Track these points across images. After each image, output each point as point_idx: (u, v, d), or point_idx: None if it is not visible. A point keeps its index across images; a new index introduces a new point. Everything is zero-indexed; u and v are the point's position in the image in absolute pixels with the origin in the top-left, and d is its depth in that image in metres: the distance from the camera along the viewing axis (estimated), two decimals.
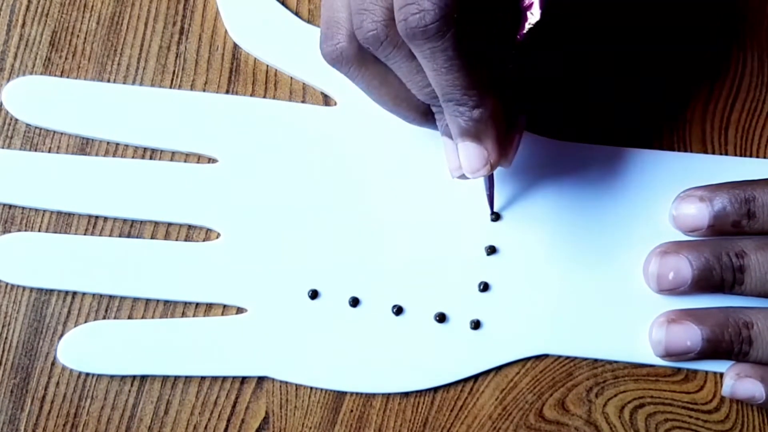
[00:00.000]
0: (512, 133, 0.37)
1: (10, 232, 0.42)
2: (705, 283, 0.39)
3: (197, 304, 0.41)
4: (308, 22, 0.43)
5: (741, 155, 0.42)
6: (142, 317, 0.41)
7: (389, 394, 0.41)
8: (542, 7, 0.35)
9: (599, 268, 0.41)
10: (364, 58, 0.35)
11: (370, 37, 0.33)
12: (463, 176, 0.37)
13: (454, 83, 0.33)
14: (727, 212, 0.39)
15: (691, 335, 0.39)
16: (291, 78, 0.43)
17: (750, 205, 0.39)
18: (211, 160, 0.42)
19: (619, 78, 0.42)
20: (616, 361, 0.40)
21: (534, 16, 0.35)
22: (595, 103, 0.42)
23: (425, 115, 0.37)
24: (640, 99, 0.42)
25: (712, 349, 0.39)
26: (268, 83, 0.43)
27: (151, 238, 0.42)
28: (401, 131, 0.41)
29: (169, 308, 0.41)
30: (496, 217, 0.41)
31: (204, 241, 0.42)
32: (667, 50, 0.42)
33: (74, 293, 0.41)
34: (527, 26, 0.35)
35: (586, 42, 0.42)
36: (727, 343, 0.39)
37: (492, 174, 0.39)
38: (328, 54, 0.35)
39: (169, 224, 0.42)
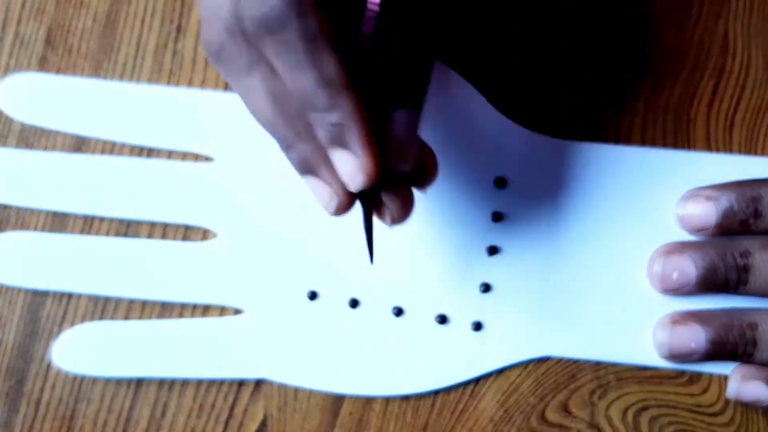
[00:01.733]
0: (399, 131, 0.33)
1: (4, 231, 0.42)
2: (709, 282, 0.39)
3: (194, 306, 0.41)
4: None
5: (746, 154, 0.42)
6: (139, 318, 0.41)
7: (389, 397, 0.40)
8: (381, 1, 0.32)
9: (602, 269, 0.40)
10: (231, 57, 0.33)
11: (224, 30, 0.31)
12: (340, 208, 0.34)
13: (305, 83, 0.31)
14: (734, 211, 0.39)
15: (695, 337, 0.39)
16: None
17: (757, 204, 0.38)
18: (208, 159, 0.42)
19: (622, 77, 0.42)
20: (619, 363, 0.40)
21: (373, 5, 0.32)
22: (599, 102, 0.42)
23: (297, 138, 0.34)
24: (643, 97, 0.42)
25: (717, 351, 0.39)
26: None
27: (148, 238, 0.41)
28: None
29: (165, 309, 0.41)
30: (498, 218, 0.41)
31: (201, 240, 0.41)
32: (671, 48, 0.42)
33: (70, 295, 0.41)
34: (370, 17, 0.32)
35: (587, 38, 0.42)
36: (731, 344, 0.38)
37: (371, 216, 0.36)
38: (204, 46, 0.33)
39: (166, 224, 0.42)
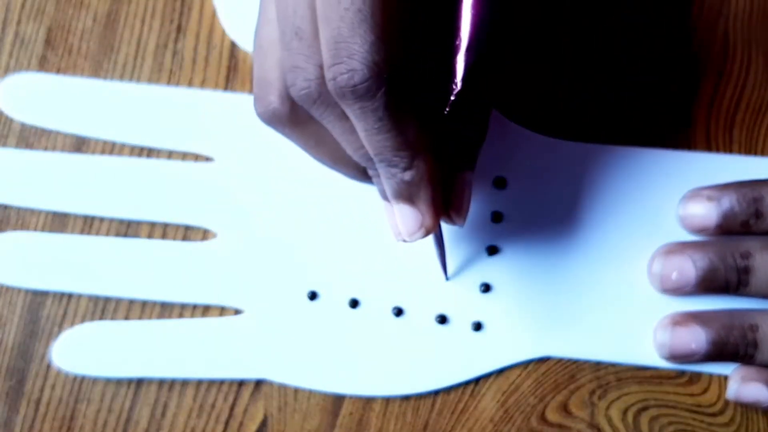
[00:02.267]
0: (459, 190, 0.36)
1: (4, 231, 0.42)
2: (709, 283, 0.39)
3: (194, 306, 0.41)
4: None
5: (746, 154, 0.42)
6: (139, 319, 0.41)
7: (389, 397, 0.40)
8: (464, 77, 0.34)
9: (603, 269, 0.40)
10: (298, 118, 0.35)
11: (303, 96, 0.33)
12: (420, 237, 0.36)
13: (385, 144, 0.32)
14: (735, 212, 0.39)
15: (696, 338, 0.39)
16: None
17: (758, 204, 0.38)
18: (209, 159, 0.42)
19: (623, 77, 0.42)
20: (619, 364, 0.40)
21: (456, 86, 0.34)
22: (600, 102, 0.42)
23: (365, 175, 0.36)
24: (644, 98, 0.42)
25: (717, 352, 0.38)
26: None
27: (148, 238, 0.42)
28: None
29: (165, 310, 0.41)
30: (497, 218, 0.41)
31: (201, 241, 0.41)
32: (671, 48, 0.42)
33: (70, 295, 0.41)
34: (452, 97, 0.34)
35: (588, 39, 0.42)
36: (732, 345, 0.38)
37: (441, 236, 0.39)
38: (261, 115, 0.35)
39: (166, 224, 0.42)
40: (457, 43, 0.34)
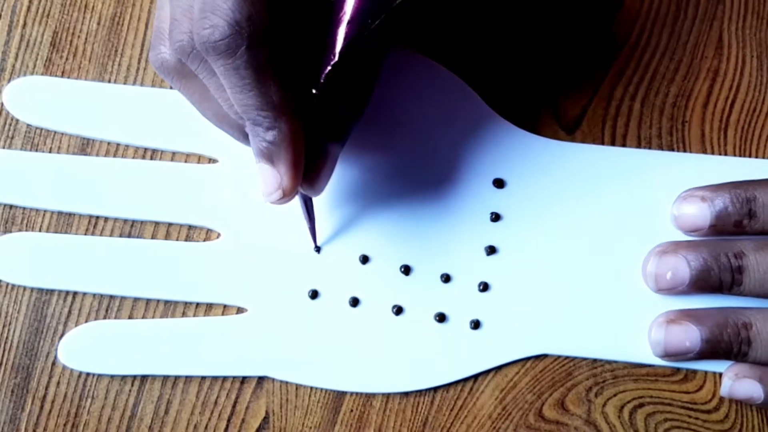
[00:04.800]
0: (321, 161, 0.37)
1: (10, 232, 0.42)
2: (703, 283, 0.39)
3: (197, 304, 0.41)
4: None
5: (740, 155, 0.42)
6: (143, 317, 0.41)
7: (389, 394, 0.41)
8: (341, 51, 0.35)
9: (599, 268, 0.41)
10: (183, 71, 0.35)
11: (178, 48, 0.34)
12: (280, 201, 0.36)
13: (247, 102, 0.33)
14: (729, 212, 0.39)
15: (690, 336, 0.39)
16: None
17: (751, 204, 0.38)
18: (212, 160, 0.42)
19: (619, 79, 0.42)
20: (615, 361, 0.41)
21: (334, 57, 0.35)
22: (596, 103, 0.42)
23: (245, 135, 0.36)
24: (639, 99, 0.42)
25: (711, 350, 0.39)
26: None
27: (152, 238, 0.42)
28: (398, 135, 0.41)
29: (169, 308, 0.41)
30: (496, 218, 0.41)
31: (204, 241, 0.42)
32: (666, 50, 0.43)
33: (75, 293, 0.41)
34: (328, 67, 0.35)
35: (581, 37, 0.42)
36: (726, 343, 0.39)
37: (311, 204, 0.39)
38: (153, 63, 0.36)
39: (170, 224, 0.42)
40: (341, 15, 0.34)
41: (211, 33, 0.32)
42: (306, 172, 0.36)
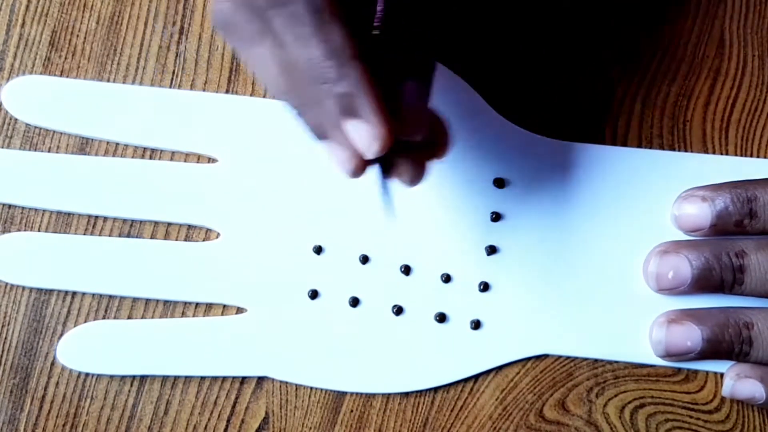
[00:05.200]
0: (410, 100, 0.34)
1: (9, 231, 0.42)
2: (705, 282, 0.39)
3: (197, 304, 0.41)
4: None
5: (741, 155, 0.42)
6: (142, 317, 0.41)
7: (389, 394, 0.41)
8: None
9: (599, 268, 0.41)
10: (247, 30, 0.33)
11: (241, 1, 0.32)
12: (358, 169, 0.34)
13: (312, 54, 0.31)
14: (730, 212, 0.39)
15: (691, 335, 0.39)
16: None
17: (752, 204, 0.38)
18: (211, 160, 0.42)
19: (619, 78, 0.42)
20: (616, 361, 0.41)
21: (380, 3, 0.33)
22: (596, 103, 0.42)
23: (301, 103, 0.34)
24: (640, 99, 0.42)
25: (713, 350, 0.39)
26: None
27: (151, 238, 0.42)
28: None
29: (168, 308, 0.41)
30: (496, 217, 0.41)
31: (204, 241, 0.42)
32: (667, 49, 0.43)
33: (74, 293, 0.41)
34: (378, 13, 0.33)
35: (586, 38, 0.42)
36: (727, 343, 0.38)
37: (388, 175, 0.36)
38: (213, 17, 0.34)
39: (169, 224, 0.42)
40: None
41: None
42: (398, 119, 0.33)
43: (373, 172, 0.35)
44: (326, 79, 0.32)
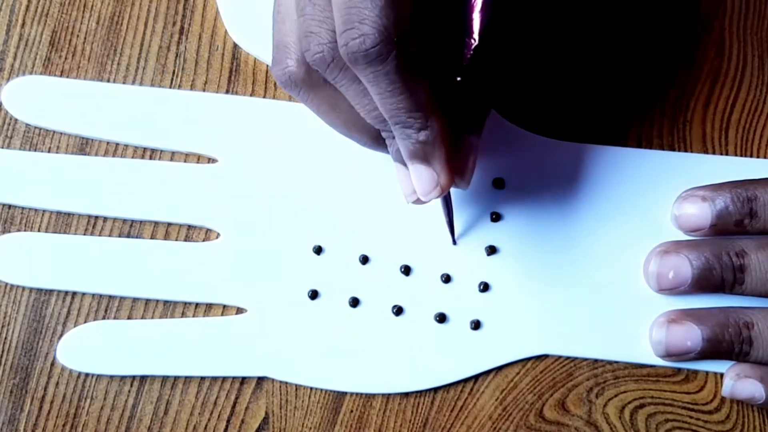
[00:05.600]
0: (465, 154, 0.37)
1: (9, 232, 0.42)
2: (705, 282, 0.39)
3: (197, 305, 0.41)
4: None
5: (741, 155, 0.42)
6: (142, 317, 0.41)
7: (389, 395, 0.41)
8: (480, 32, 0.35)
9: (599, 268, 0.41)
10: (313, 82, 0.35)
11: (317, 60, 0.33)
12: (418, 201, 0.37)
13: (399, 106, 0.33)
14: (730, 211, 0.39)
15: (691, 335, 0.39)
16: None
17: (752, 204, 0.39)
18: (211, 160, 0.42)
19: (619, 78, 0.42)
20: (616, 362, 0.41)
21: (474, 41, 0.35)
22: (596, 103, 0.42)
23: (377, 140, 0.37)
24: (640, 99, 0.42)
25: (713, 350, 0.39)
26: (268, 83, 0.43)
27: (151, 238, 0.42)
28: None
29: (168, 308, 0.41)
30: (496, 218, 0.41)
31: (204, 241, 0.42)
32: (668, 49, 0.43)
33: (74, 293, 0.41)
34: (469, 52, 0.35)
35: (578, 37, 0.42)
36: (727, 343, 0.39)
37: (450, 199, 0.40)
38: (278, 78, 0.36)
39: (169, 224, 0.42)
40: (473, 2, 0.35)
41: (361, 42, 0.31)
42: (455, 168, 0.36)
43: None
44: (407, 126, 0.34)
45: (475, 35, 0.35)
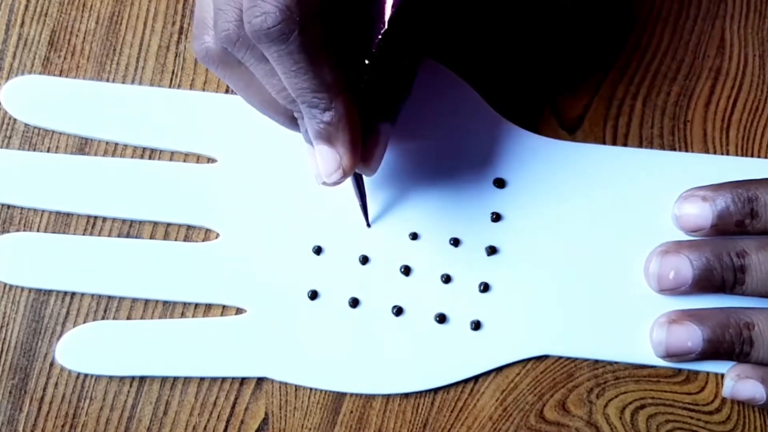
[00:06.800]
0: (374, 141, 0.37)
1: (8, 232, 0.42)
2: (706, 282, 0.39)
3: (196, 305, 0.41)
4: None
5: (742, 155, 0.42)
6: (142, 318, 0.41)
7: (389, 395, 0.41)
8: (391, 18, 0.35)
9: (600, 269, 0.41)
10: (228, 60, 0.36)
11: (224, 37, 0.34)
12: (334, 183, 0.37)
13: (303, 86, 0.34)
14: (730, 212, 0.39)
15: (692, 336, 0.39)
16: None
17: (753, 204, 0.38)
18: (211, 160, 0.42)
19: (620, 78, 0.42)
20: (617, 362, 0.40)
21: (384, 26, 0.35)
22: (597, 103, 0.42)
23: (292, 120, 0.37)
24: (641, 99, 0.42)
25: (713, 350, 0.39)
26: None
27: (150, 238, 0.42)
28: (399, 135, 0.41)
29: (168, 308, 0.41)
30: (496, 218, 0.41)
31: (203, 241, 0.42)
32: (668, 49, 0.43)
33: (73, 294, 0.41)
34: (378, 36, 0.35)
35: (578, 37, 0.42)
36: (728, 343, 0.38)
37: (362, 183, 0.40)
38: (196, 53, 0.36)
39: (169, 224, 0.42)
40: None
41: (263, 20, 0.32)
42: (361, 153, 0.37)
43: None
44: (313, 106, 0.34)
45: (385, 19, 0.35)
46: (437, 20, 0.42)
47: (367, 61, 0.36)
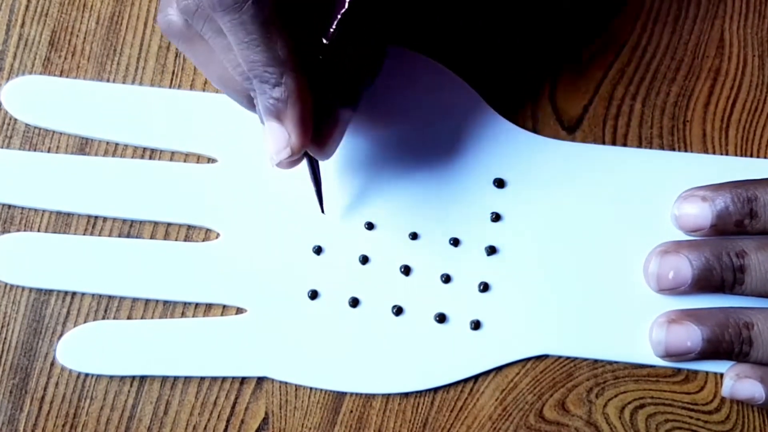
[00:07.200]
0: (332, 124, 0.37)
1: (9, 232, 0.42)
2: (705, 282, 0.39)
3: (197, 305, 0.41)
4: None
5: (741, 155, 0.42)
6: (142, 317, 0.41)
7: (389, 395, 0.41)
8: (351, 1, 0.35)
9: (599, 268, 0.41)
10: (189, 33, 0.36)
11: (184, 7, 0.34)
12: (284, 164, 0.36)
13: (254, 58, 0.34)
14: (730, 212, 0.39)
15: (691, 335, 0.39)
16: None
17: (752, 204, 0.38)
18: (211, 160, 0.42)
19: (620, 78, 0.42)
20: (616, 362, 0.40)
21: (344, 7, 0.35)
22: (597, 103, 0.42)
23: (249, 99, 0.37)
24: (640, 99, 0.42)
25: (713, 350, 0.39)
26: None
27: (151, 238, 0.42)
28: (399, 134, 0.41)
29: (168, 308, 0.41)
30: (496, 218, 0.41)
31: (204, 241, 0.42)
32: (667, 49, 0.43)
33: (73, 293, 0.41)
34: (338, 16, 0.35)
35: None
36: (727, 343, 0.38)
37: (317, 168, 0.39)
38: (160, 25, 0.36)
39: (169, 224, 0.42)
40: None
41: None
42: (316, 135, 0.36)
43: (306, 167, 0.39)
44: (264, 81, 0.34)
45: (346, 1, 0.35)
46: (402, 7, 0.41)
47: (325, 41, 0.35)
